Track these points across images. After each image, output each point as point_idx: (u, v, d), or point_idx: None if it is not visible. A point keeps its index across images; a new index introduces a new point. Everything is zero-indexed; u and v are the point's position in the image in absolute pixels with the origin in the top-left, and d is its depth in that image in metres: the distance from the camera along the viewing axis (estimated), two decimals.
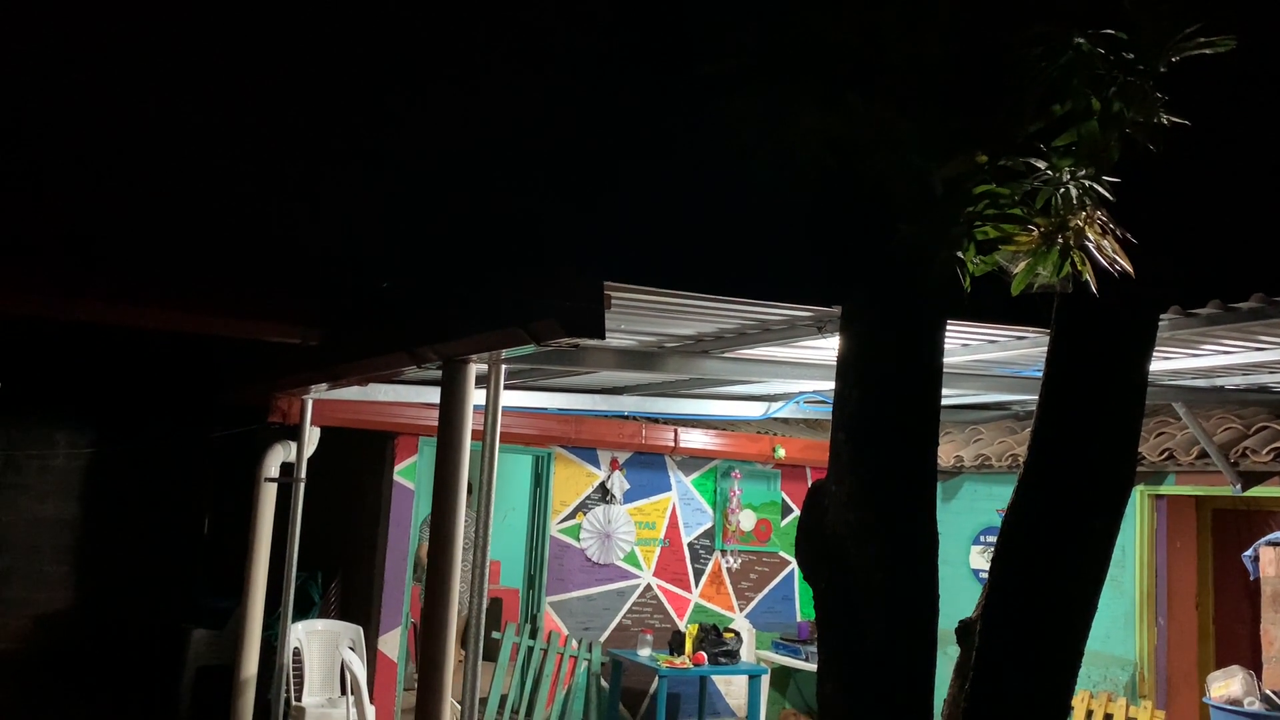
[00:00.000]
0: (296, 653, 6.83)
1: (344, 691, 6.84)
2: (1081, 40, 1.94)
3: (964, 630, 2.58)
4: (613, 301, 3.23)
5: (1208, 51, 1.97)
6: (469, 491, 8.31)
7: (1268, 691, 5.58)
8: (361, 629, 7.17)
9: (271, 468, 6.93)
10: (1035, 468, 2.49)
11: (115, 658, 9.11)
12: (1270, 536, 5.99)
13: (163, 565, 9.40)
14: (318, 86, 3.71)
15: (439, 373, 4.36)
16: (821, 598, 2.47)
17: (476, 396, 4.23)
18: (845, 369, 2.45)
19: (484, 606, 4.11)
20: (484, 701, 7.64)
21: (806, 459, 8.59)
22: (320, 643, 7.02)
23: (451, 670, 4.20)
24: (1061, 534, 2.44)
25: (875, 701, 2.39)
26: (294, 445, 6.70)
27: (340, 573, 8.07)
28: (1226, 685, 5.64)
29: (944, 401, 7.29)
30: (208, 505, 9.67)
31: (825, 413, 6.63)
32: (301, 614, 7.47)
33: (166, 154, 4.41)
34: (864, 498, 2.38)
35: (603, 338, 3.14)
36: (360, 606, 7.61)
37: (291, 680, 6.73)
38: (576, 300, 3.05)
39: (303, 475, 6.52)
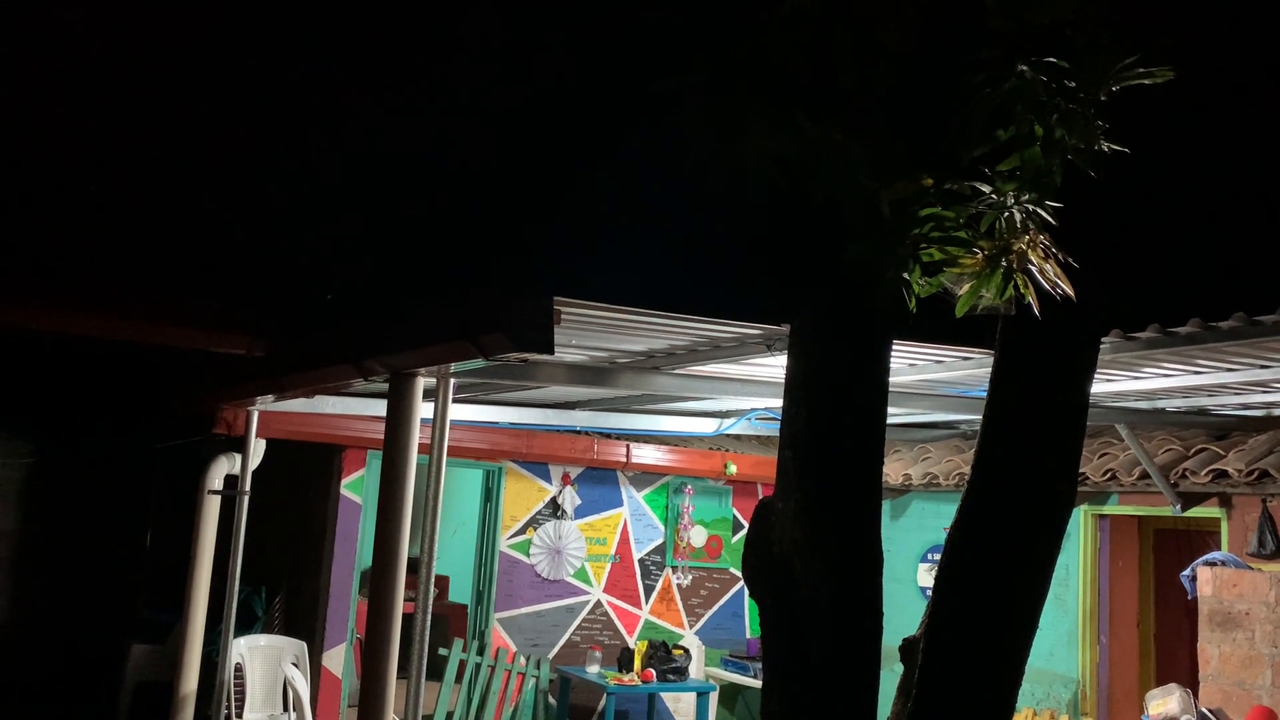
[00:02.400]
0: (238, 668, 6.71)
1: (286, 708, 6.73)
2: (1025, 68, 1.98)
3: (908, 648, 2.59)
4: (562, 317, 3.22)
5: (1146, 81, 2.01)
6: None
7: (1204, 709, 5.67)
8: (305, 644, 7.06)
9: (215, 480, 6.81)
10: (979, 487, 2.51)
11: (53, 672, 8.89)
12: (1207, 556, 6.11)
13: (103, 579, 9.20)
14: (264, 97, 3.68)
15: (387, 385, 4.32)
16: (767, 614, 2.47)
17: (424, 410, 4.19)
18: (793, 387, 2.47)
19: (428, 622, 4.07)
20: (430, 719, 7.55)
21: (758, 475, 8.62)
22: (262, 658, 6.90)
23: (394, 687, 4.15)
24: (1004, 552, 2.46)
25: (818, 718, 2.39)
26: (239, 457, 6.60)
27: (285, 587, 7.95)
28: (1164, 703, 5.73)
29: (892, 420, 7.34)
30: (150, 518, 9.48)
31: (777, 430, 6.65)
32: (245, 629, 7.34)
33: (110, 160, 4.35)
34: (810, 515, 2.39)
35: (551, 353, 3.13)
36: (305, 621, 7.50)
37: (232, 696, 6.61)
38: (525, 315, 3.04)
39: (247, 488, 6.42)
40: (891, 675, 2.40)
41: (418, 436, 4.18)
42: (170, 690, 6.78)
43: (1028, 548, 2.47)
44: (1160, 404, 5.71)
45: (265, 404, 6.14)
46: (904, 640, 2.59)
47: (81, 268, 5.19)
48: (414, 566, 4.91)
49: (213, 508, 6.83)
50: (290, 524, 8.10)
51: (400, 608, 4.14)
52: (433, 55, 3.33)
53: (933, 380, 5.03)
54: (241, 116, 3.92)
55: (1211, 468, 6.20)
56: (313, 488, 7.79)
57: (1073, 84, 2.01)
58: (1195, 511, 6.49)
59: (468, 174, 3.43)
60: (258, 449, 6.57)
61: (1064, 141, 2.04)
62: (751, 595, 2.52)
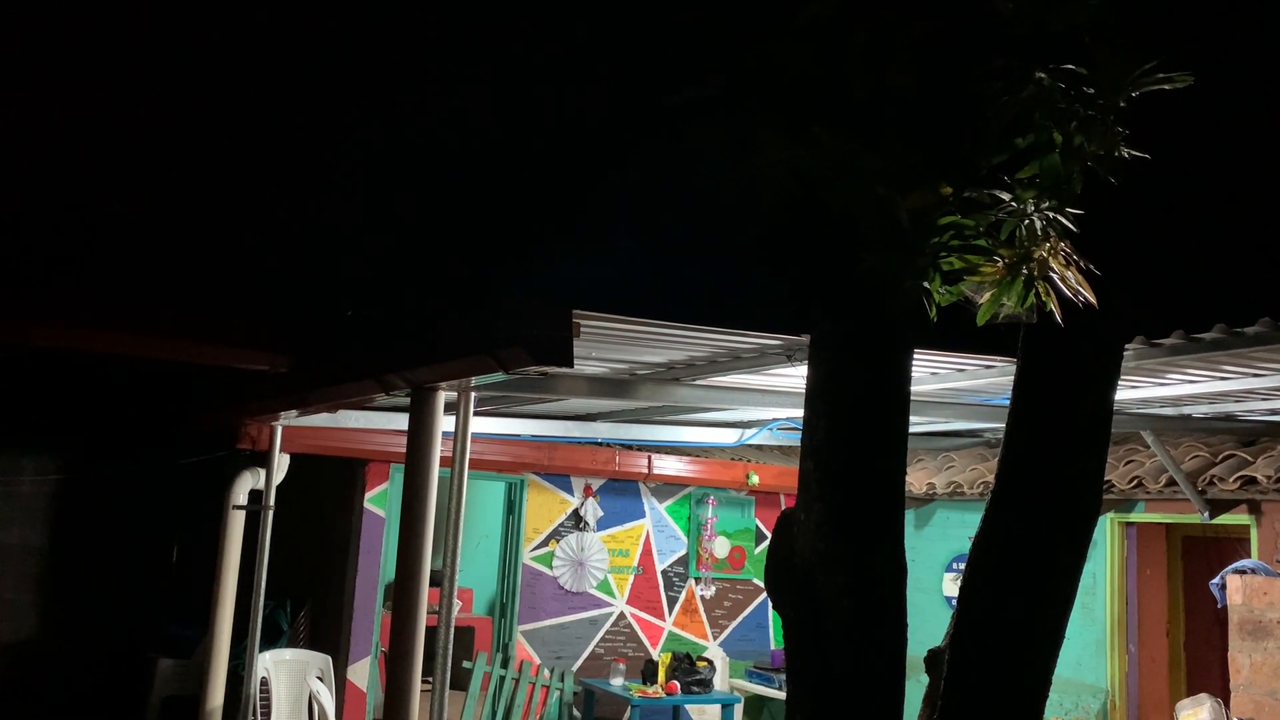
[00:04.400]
0: (264, 683, 6.73)
1: None
2: (1042, 75, 1.97)
3: (933, 659, 2.57)
4: (582, 329, 3.23)
5: (1166, 87, 2.00)
6: None
7: (1235, 719, 5.60)
8: (330, 658, 7.08)
9: (240, 495, 6.86)
10: (1002, 496, 2.50)
11: (80, 688, 8.94)
12: (1237, 564, 6.04)
13: (129, 594, 9.26)
14: (283, 114, 3.71)
15: (409, 400, 4.33)
16: (790, 626, 2.46)
17: (446, 424, 4.21)
18: (813, 397, 2.46)
19: (451, 635, 4.07)
20: None
21: (781, 486, 8.59)
22: (288, 672, 6.93)
23: (418, 700, 4.16)
24: (1029, 562, 2.44)
25: None
26: (263, 472, 6.63)
27: (310, 601, 7.98)
28: (1195, 714, 5.66)
29: (916, 429, 7.29)
30: (176, 533, 9.54)
31: (798, 440, 6.62)
32: (270, 643, 7.37)
33: (136, 179, 4.39)
34: (832, 526, 2.38)
35: (571, 366, 3.13)
36: (330, 635, 7.53)
37: (258, 711, 6.63)
38: (545, 328, 3.05)
39: (271, 503, 6.45)
40: (917, 686, 2.38)
41: (439, 450, 4.19)
42: (197, 705, 6.82)
43: (1052, 557, 2.45)
44: (1186, 410, 5.65)
45: (289, 419, 6.18)
46: (929, 651, 2.57)
47: (107, 287, 5.24)
48: (438, 580, 4.93)
49: (237, 522, 6.87)
50: (315, 538, 8.13)
51: (423, 621, 4.15)
52: (448, 71, 3.35)
53: (955, 389, 5.00)
54: (262, 135, 3.95)
55: (1240, 474, 6.13)
56: (336, 502, 7.82)
57: (1091, 90, 2.00)
58: (1224, 519, 6.42)
59: (485, 189, 3.44)
60: (281, 464, 6.61)
61: (1083, 148, 2.02)
62: (774, 607, 2.51)
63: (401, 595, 4.14)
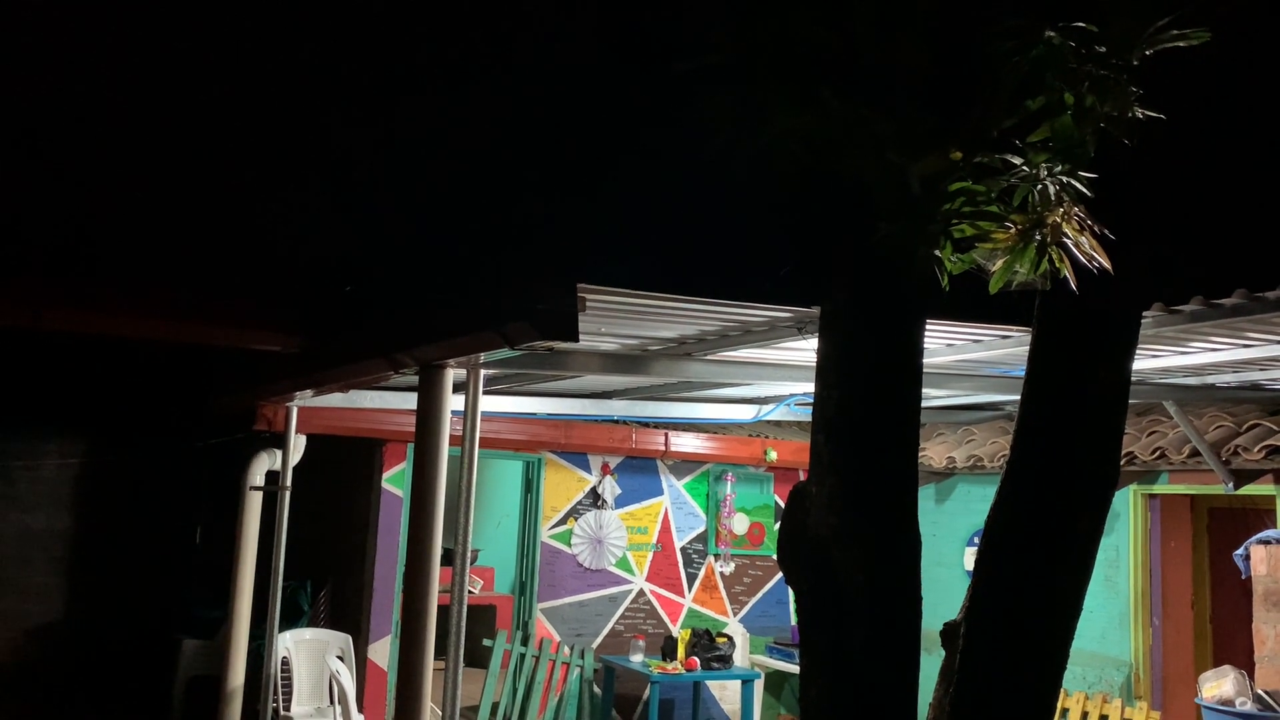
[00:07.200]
0: (285, 662, 6.78)
1: (333, 701, 6.79)
2: (1053, 34, 1.91)
3: (949, 632, 2.55)
4: (588, 304, 3.20)
5: (1181, 44, 1.94)
6: None
7: (1260, 691, 5.55)
8: (350, 638, 7.12)
9: (257, 476, 6.88)
10: (1019, 467, 2.46)
11: (107, 669, 9.05)
12: (1261, 535, 5.97)
13: (154, 575, 9.35)
14: (295, 98, 3.69)
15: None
16: (804, 601, 2.44)
17: (456, 402, 4.19)
18: (825, 370, 2.42)
19: (464, 613, 4.06)
20: (475, 709, 7.60)
21: (799, 462, 8.55)
22: (308, 652, 6.98)
23: (430, 678, 4.17)
24: (1045, 534, 2.41)
25: (858, 706, 2.35)
26: (280, 453, 6.66)
27: (330, 581, 8.03)
28: (1218, 685, 5.61)
29: (936, 402, 7.19)
30: (199, 515, 9.62)
31: None
32: (291, 623, 7.42)
33: (149, 165, 4.39)
34: (844, 500, 2.35)
35: (576, 340, 3.10)
36: (350, 615, 7.57)
37: (280, 690, 6.68)
38: (550, 303, 3.02)
39: (288, 483, 6.47)
40: (938, 660, 2.35)
41: (448, 428, 4.17)
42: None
43: (1069, 530, 2.42)
44: (1209, 379, 5.57)
45: (304, 399, 6.19)
46: (945, 624, 2.54)
47: (124, 271, 5.26)
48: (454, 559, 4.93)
49: (255, 504, 6.90)
50: (334, 518, 8.17)
51: (435, 599, 4.15)
52: (453, 49, 3.32)
53: (972, 360, 4.94)
54: (271, 120, 3.94)
55: (1265, 444, 6.04)
56: (355, 482, 7.85)
57: (1103, 49, 1.94)
58: (1249, 489, 6.34)
59: (491, 164, 3.41)
60: (298, 444, 6.63)
61: (1096, 109, 1.97)
62: (787, 582, 2.49)
63: (412, 574, 4.14)
